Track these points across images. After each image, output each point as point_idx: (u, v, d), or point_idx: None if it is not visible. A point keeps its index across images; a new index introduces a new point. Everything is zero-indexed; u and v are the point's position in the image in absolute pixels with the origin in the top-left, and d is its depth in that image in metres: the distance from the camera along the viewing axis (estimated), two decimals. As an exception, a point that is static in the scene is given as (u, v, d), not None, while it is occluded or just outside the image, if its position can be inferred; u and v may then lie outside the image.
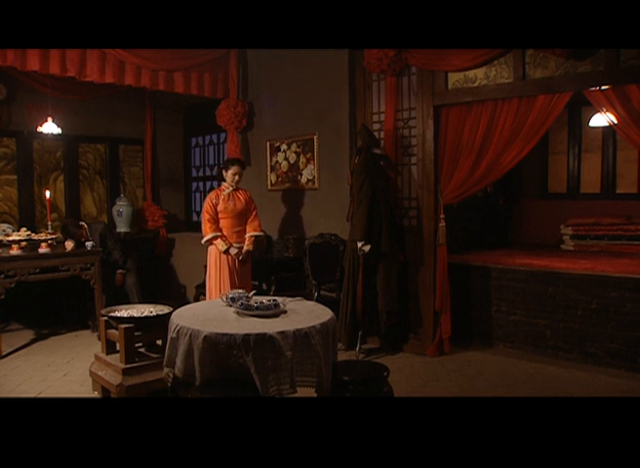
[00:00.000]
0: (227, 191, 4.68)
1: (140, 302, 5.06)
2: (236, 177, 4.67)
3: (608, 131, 5.84)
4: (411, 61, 4.51)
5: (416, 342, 4.68)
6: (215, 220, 4.63)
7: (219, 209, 4.63)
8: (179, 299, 6.30)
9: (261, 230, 4.82)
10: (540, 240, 6.22)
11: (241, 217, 4.71)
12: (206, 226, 4.63)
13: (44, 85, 5.59)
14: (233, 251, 4.61)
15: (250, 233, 4.72)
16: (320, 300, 4.05)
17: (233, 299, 2.98)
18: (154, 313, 3.70)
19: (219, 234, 4.61)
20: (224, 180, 4.75)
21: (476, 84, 4.32)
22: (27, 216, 6.08)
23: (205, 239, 4.63)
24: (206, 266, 5.17)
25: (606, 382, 3.88)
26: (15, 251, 4.68)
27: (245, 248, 4.66)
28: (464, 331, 4.84)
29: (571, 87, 3.90)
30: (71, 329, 5.47)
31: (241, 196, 4.73)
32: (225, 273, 4.60)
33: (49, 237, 4.93)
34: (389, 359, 4.45)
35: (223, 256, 4.61)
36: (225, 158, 4.87)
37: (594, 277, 4.24)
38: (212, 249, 4.65)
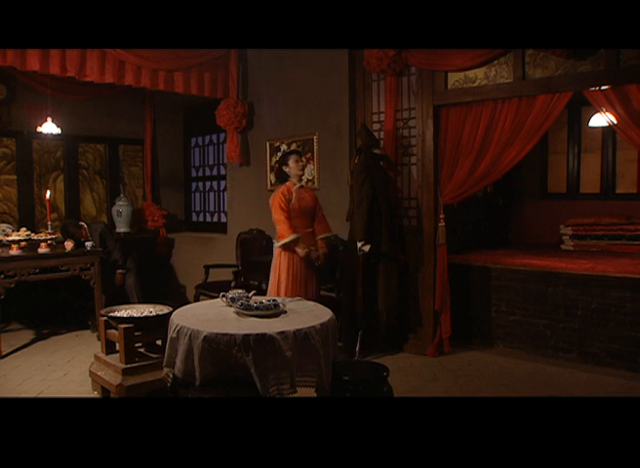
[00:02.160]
0: (297, 187, 4.17)
1: (139, 302, 5.06)
2: (300, 164, 4.20)
3: (608, 131, 5.83)
4: (411, 61, 4.51)
5: (416, 342, 4.68)
6: (290, 219, 4.06)
7: (291, 206, 4.09)
8: (178, 299, 6.30)
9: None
10: (539, 240, 6.23)
11: (310, 217, 4.23)
12: (284, 226, 4.00)
13: (44, 85, 5.59)
14: (314, 254, 4.11)
15: (323, 234, 4.24)
16: (320, 300, 4.05)
17: (233, 299, 2.97)
18: (154, 313, 3.70)
19: (299, 236, 4.02)
20: (285, 179, 4.23)
21: (476, 84, 4.32)
22: (27, 216, 6.08)
23: (284, 241, 3.98)
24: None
25: (606, 382, 3.88)
26: (14, 251, 4.68)
27: (321, 251, 4.19)
28: (464, 330, 4.84)
29: (571, 87, 3.90)
30: (71, 329, 5.47)
31: (307, 194, 4.25)
32: (300, 279, 4.10)
33: (48, 237, 4.93)
34: (389, 359, 4.44)
35: (297, 261, 4.06)
36: (282, 153, 4.33)
37: (594, 277, 4.24)
38: (284, 253, 4.06)
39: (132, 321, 3.57)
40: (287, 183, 4.20)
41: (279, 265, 4.10)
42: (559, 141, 6.40)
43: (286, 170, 4.22)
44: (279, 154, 5.64)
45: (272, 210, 4.11)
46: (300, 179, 4.24)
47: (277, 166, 4.32)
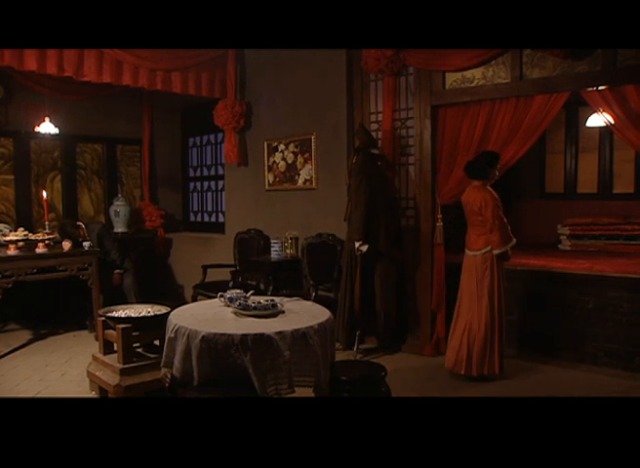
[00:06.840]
0: None
1: (137, 302, 5.05)
2: None
3: (605, 131, 5.85)
4: (409, 61, 4.51)
5: (413, 342, 4.68)
6: None
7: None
8: (176, 299, 6.28)
9: None
10: (537, 240, 6.23)
11: None
12: (508, 231, 3.85)
13: (41, 85, 5.57)
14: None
15: None
16: (318, 300, 4.05)
17: (231, 299, 2.97)
18: (152, 313, 3.69)
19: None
20: (480, 177, 3.93)
21: (474, 84, 4.33)
22: (25, 216, 6.07)
23: (510, 245, 3.86)
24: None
25: (604, 382, 3.89)
26: (12, 251, 4.67)
27: None
28: (462, 330, 4.83)
29: (568, 87, 3.90)
30: (69, 329, 5.46)
31: None
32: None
33: (46, 237, 4.92)
34: (387, 359, 4.44)
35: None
36: (488, 151, 4.06)
37: (592, 277, 4.24)
38: (495, 258, 3.89)
39: (130, 321, 3.56)
40: (488, 188, 3.92)
41: (497, 273, 3.92)
42: (557, 141, 6.42)
43: (490, 171, 3.93)
44: (276, 154, 5.65)
45: (491, 212, 3.79)
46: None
47: (488, 161, 3.93)
